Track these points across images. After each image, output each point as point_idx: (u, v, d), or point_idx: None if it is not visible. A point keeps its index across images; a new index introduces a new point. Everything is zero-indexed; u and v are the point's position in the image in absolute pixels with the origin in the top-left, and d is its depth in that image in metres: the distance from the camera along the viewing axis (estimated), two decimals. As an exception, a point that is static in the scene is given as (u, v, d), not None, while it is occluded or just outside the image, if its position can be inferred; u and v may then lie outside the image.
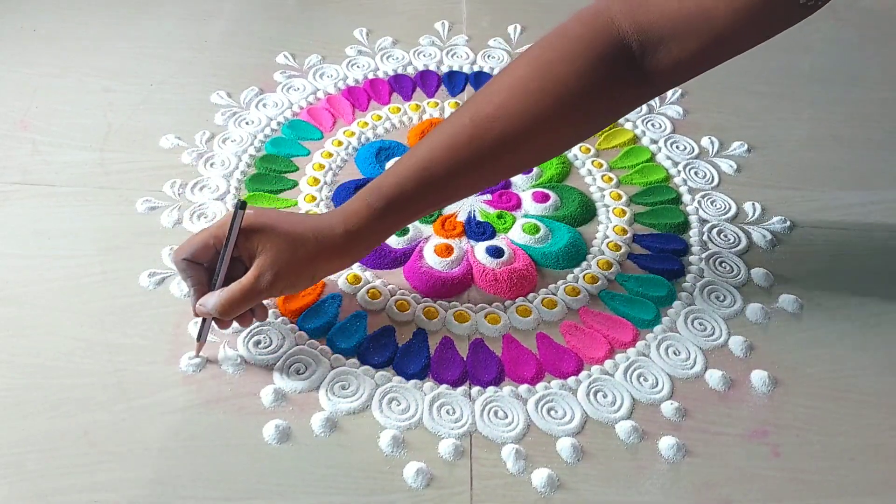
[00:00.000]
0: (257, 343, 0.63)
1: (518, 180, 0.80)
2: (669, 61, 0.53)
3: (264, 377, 0.61)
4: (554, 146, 0.59)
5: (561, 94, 0.54)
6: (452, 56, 0.97)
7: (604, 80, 0.55)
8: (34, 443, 0.56)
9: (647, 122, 0.88)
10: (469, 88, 0.92)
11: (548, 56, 0.55)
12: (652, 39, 0.53)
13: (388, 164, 0.80)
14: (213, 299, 0.56)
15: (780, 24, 0.52)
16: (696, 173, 0.83)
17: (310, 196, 0.77)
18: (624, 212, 0.77)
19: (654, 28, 0.53)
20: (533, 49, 0.57)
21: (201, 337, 0.60)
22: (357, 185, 0.78)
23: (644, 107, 0.90)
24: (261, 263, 0.55)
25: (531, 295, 0.69)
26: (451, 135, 0.55)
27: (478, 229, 0.74)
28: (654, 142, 0.86)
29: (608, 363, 0.64)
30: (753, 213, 0.78)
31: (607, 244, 0.74)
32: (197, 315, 0.59)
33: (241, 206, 0.55)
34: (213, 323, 0.60)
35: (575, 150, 0.84)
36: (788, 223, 0.77)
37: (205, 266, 0.58)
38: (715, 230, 0.76)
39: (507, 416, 0.59)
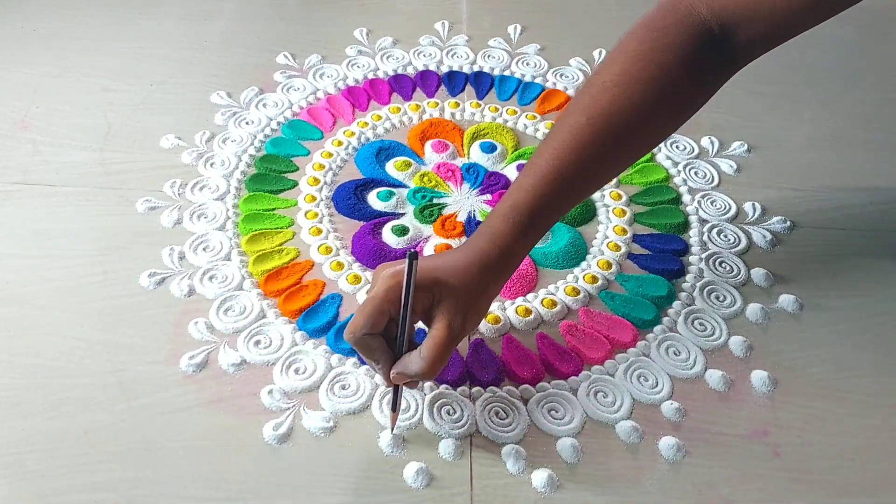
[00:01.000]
0: (257, 343, 0.63)
1: (518, 180, 0.80)
2: (745, 41, 0.57)
3: (264, 377, 0.61)
4: (666, 131, 0.62)
5: (665, 82, 0.57)
6: (452, 56, 0.97)
7: (699, 63, 0.57)
8: (34, 443, 0.56)
9: (647, 122, 0.88)
10: (469, 88, 0.93)
11: (644, 48, 0.57)
12: (727, 22, 0.57)
13: (396, 169, 0.81)
14: (415, 361, 0.52)
15: (838, 7, 0.55)
16: (696, 173, 0.83)
17: (310, 196, 0.77)
18: (624, 212, 0.77)
19: (727, 12, 0.56)
20: (625, 44, 0.59)
21: (396, 407, 0.56)
22: (357, 185, 0.78)
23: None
24: (446, 311, 0.53)
25: (531, 295, 0.69)
26: (572, 137, 0.56)
27: (478, 229, 0.74)
28: (654, 142, 0.86)
29: (608, 363, 0.64)
30: (753, 213, 0.78)
31: (607, 244, 0.74)
32: (393, 384, 0.55)
33: (414, 257, 0.51)
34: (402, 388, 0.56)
35: (575, 150, 0.84)
36: (788, 223, 0.77)
37: (381, 334, 0.54)
38: (715, 230, 0.76)
39: (507, 416, 0.59)
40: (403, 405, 0.59)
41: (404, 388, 0.57)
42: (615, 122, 0.56)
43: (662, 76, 0.56)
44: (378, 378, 0.60)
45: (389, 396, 0.58)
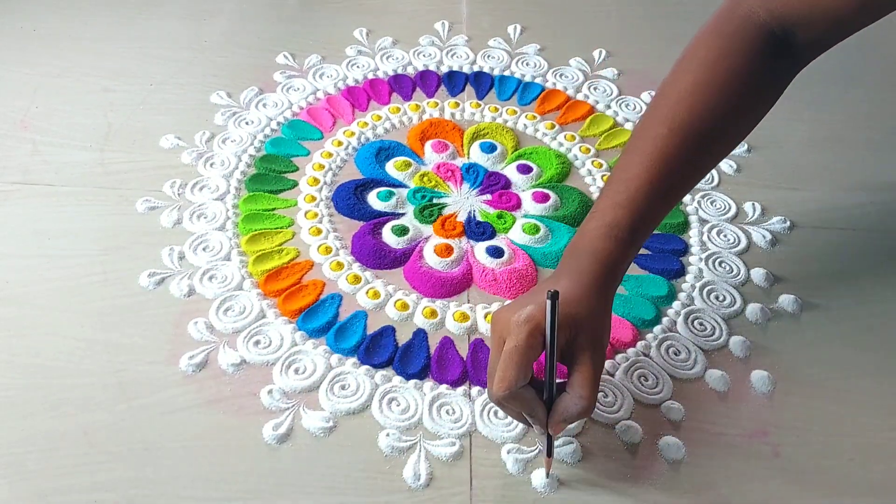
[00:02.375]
0: (257, 343, 0.63)
1: (518, 180, 0.80)
2: (806, 41, 0.58)
3: (264, 377, 0.61)
4: (744, 132, 0.63)
5: (738, 86, 0.58)
6: (452, 56, 0.97)
7: (767, 64, 0.59)
8: (34, 443, 0.56)
9: (647, 122, 0.88)
10: (469, 88, 0.93)
11: (713, 55, 0.59)
12: (786, 24, 0.58)
13: (396, 169, 0.80)
14: (574, 404, 0.51)
15: (888, 7, 0.56)
16: (696, 173, 0.82)
17: (310, 196, 0.77)
18: (624, 212, 0.77)
19: (784, 15, 0.58)
20: (693, 51, 0.60)
21: (552, 453, 0.54)
22: (357, 185, 0.78)
23: (644, 106, 0.91)
24: (587, 344, 0.52)
25: (531, 295, 0.69)
26: (657, 149, 0.57)
27: (478, 229, 0.74)
28: (654, 142, 0.86)
29: (608, 363, 0.63)
30: (753, 213, 0.78)
31: (607, 244, 0.74)
32: (557, 432, 0.53)
33: (556, 297, 0.49)
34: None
35: (575, 149, 0.84)
36: (788, 223, 0.77)
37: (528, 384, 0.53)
38: (715, 230, 0.76)
39: (507, 416, 0.59)
40: (404, 404, 0.59)
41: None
42: (697, 130, 0.57)
43: (734, 81, 0.58)
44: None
45: (540, 442, 0.56)
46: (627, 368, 0.63)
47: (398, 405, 0.59)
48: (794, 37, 0.58)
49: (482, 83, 0.93)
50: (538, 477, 0.55)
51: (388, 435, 0.57)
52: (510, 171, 0.81)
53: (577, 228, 0.74)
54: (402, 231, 0.73)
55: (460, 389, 0.61)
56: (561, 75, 0.95)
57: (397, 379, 0.61)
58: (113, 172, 0.78)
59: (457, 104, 0.90)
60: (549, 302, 0.49)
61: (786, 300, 0.69)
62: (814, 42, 0.58)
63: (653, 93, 0.91)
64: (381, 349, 0.63)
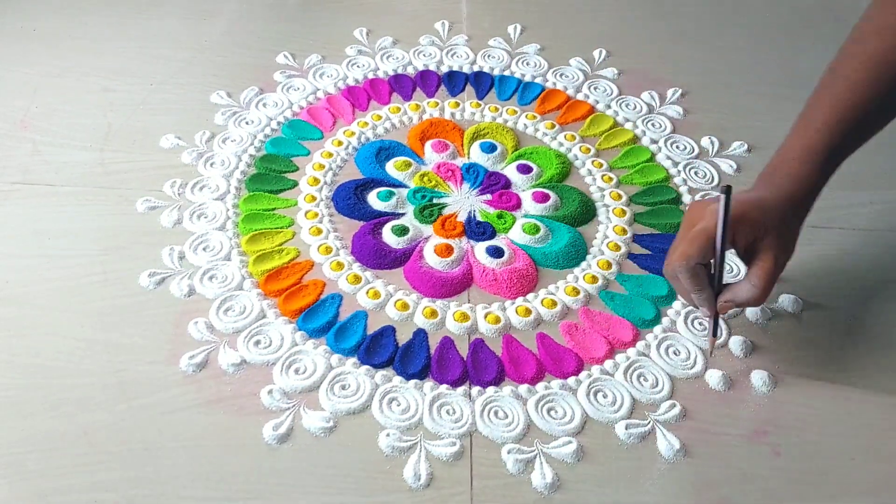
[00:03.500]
0: (257, 343, 0.63)
1: (518, 180, 0.80)
2: None
3: (264, 377, 0.61)
4: None
5: None
6: (452, 56, 0.97)
7: None
8: (34, 443, 0.56)
9: (647, 122, 0.88)
10: (469, 88, 0.93)
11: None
12: None
13: (396, 169, 0.80)
14: (745, 290, 0.57)
15: None
16: (696, 173, 0.83)
17: (310, 196, 0.77)
18: (624, 212, 0.77)
19: None
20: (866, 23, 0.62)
21: (717, 333, 0.61)
22: (357, 185, 0.78)
23: (644, 106, 0.91)
24: (772, 245, 0.57)
25: (531, 295, 0.69)
26: (851, 81, 0.60)
27: (478, 229, 0.74)
28: (654, 142, 0.86)
29: (608, 363, 0.64)
30: (753, 213, 0.78)
31: (607, 244, 0.74)
32: (724, 311, 0.60)
33: (728, 190, 0.54)
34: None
35: (575, 149, 0.84)
36: (788, 223, 0.77)
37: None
38: (715, 230, 0.76)
39: (507, 416, 0.59)
40: (404, 404, 0.59)
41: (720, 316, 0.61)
42: (887, 63, 0.59)
43: None
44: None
45: (708, 324, 0.62)
46: (627, 368, 0.63)
47: (398, 405, 0.59)
48: None
49: (482, 83, 0.93)
50: (538, 477, 0.55)
51: (388, 435, 0.57)
52: (510, 171, 0.81)
53: (577, 228, 0.75)
54: (402, 231, 0.73)
55: (460, 389, 0.61)
56: (561, 75, 0.95)
57: (397, 379, 0.61)
58: (113, 172, 0.78)
59: (457, 104, 0.90)
60: (722, 196, 0.54)
61: (786, 300, 0.69)
62: None
63: (653, 93, 0.92)
64: (382, 349, 0.63)
